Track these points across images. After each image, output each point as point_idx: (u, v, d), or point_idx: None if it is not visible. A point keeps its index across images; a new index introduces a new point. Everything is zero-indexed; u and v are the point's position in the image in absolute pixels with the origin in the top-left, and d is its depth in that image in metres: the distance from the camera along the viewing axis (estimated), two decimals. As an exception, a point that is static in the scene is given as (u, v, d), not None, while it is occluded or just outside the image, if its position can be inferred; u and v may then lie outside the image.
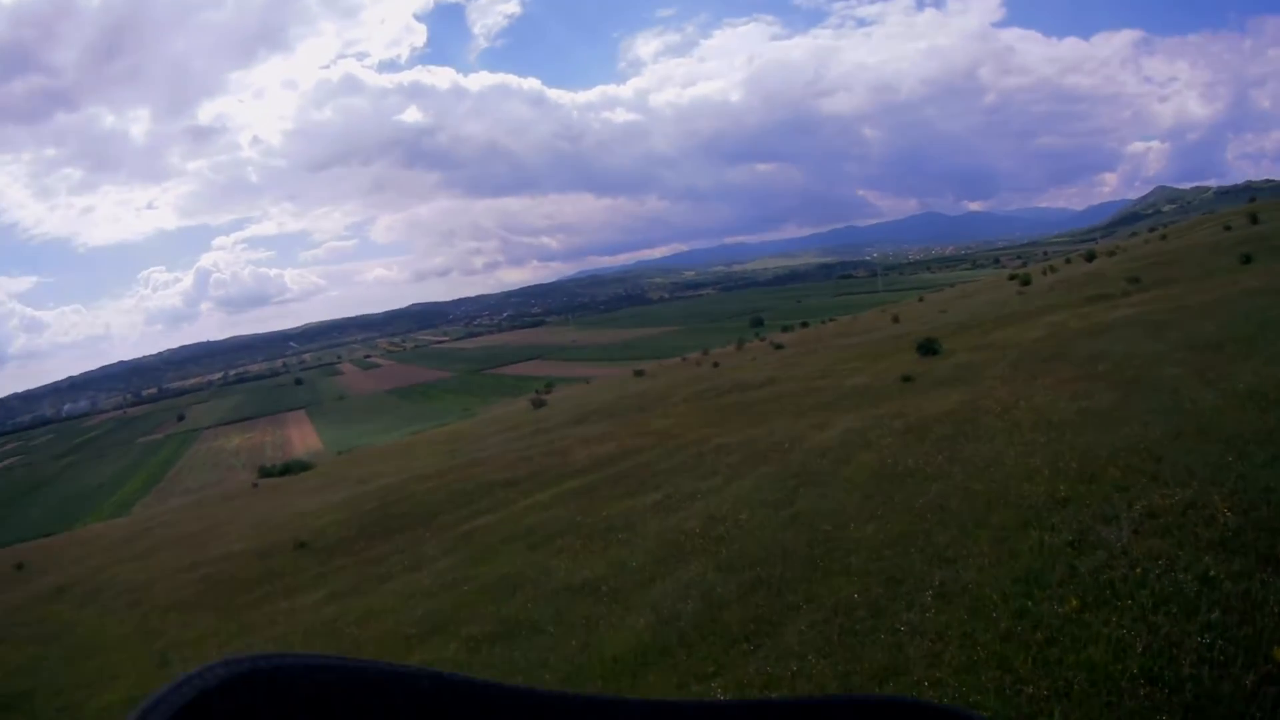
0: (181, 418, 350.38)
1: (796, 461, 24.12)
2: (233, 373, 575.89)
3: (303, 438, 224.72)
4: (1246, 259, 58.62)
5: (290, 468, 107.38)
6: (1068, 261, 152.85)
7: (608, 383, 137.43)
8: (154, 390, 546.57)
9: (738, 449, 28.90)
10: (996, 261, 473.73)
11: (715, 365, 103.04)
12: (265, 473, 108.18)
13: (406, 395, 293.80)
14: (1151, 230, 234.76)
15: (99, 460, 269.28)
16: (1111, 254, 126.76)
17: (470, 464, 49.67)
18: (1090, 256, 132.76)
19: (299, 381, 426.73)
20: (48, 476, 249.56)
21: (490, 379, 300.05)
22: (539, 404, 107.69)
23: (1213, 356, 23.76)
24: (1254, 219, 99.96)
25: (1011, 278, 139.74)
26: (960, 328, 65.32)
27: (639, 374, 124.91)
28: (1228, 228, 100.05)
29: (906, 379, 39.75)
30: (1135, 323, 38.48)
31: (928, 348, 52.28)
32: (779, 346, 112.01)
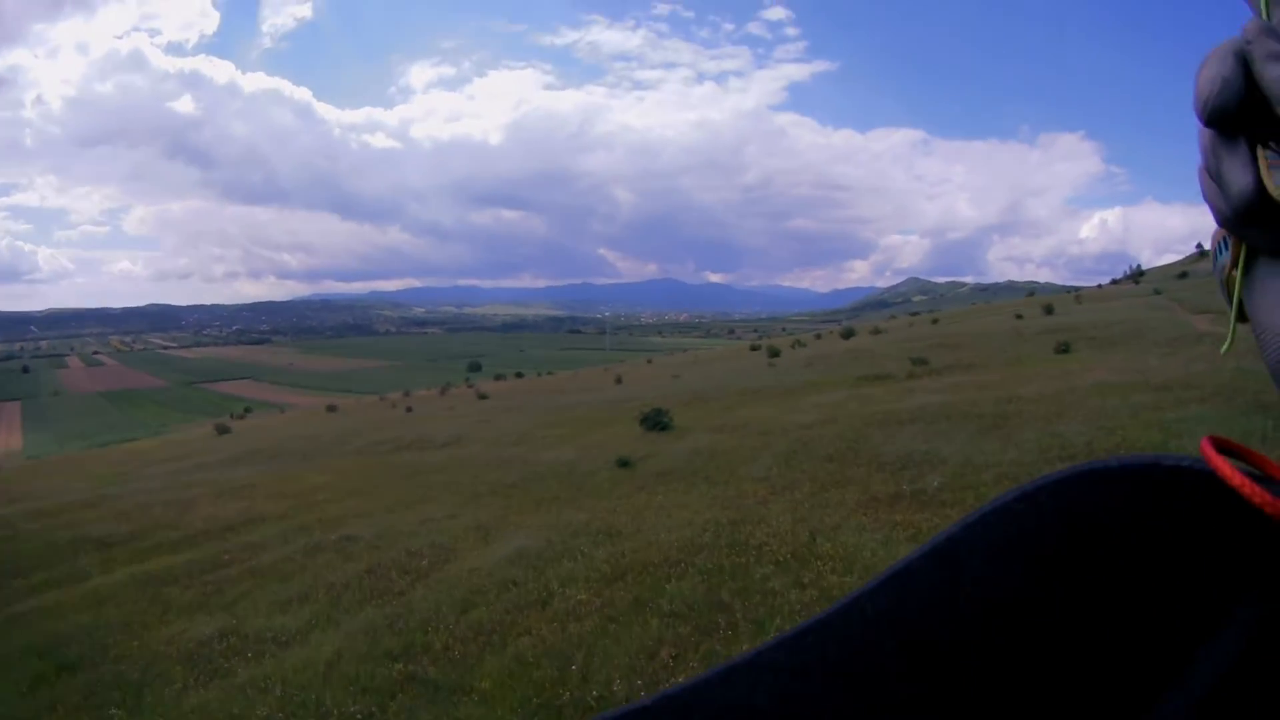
0: None
1: (420, 609, 18.02)
2: None
3: (8, 435, 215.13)
4: (1064, 348, 54.34)
5: None
6: (818, 337, 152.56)
7: (300, 415, 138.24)
8: None
9: (364, 551, 24.44)
10: (731, 332, 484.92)
11: (409, 410, 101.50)
12: None
13: (117, 400, 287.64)
14: (914, 315, 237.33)
15: None
16: (876, 332, 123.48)
17: (100, 500, 45.01)
18: (847, 334, 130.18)
19: (25, 370, 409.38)
20: None
21: (200, 394, 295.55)
22: (222, 431, 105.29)
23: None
24: (1049, 310, 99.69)
25: (754, 349, 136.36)
26: (696, 399, 59.41)
27: (331, 409, 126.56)
28: (1019, 316, 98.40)
29: (623, 463, 35.45)
30: (951, 414, 33.58)
31: (655, 421, 46.02)
32: (483, 396, 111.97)
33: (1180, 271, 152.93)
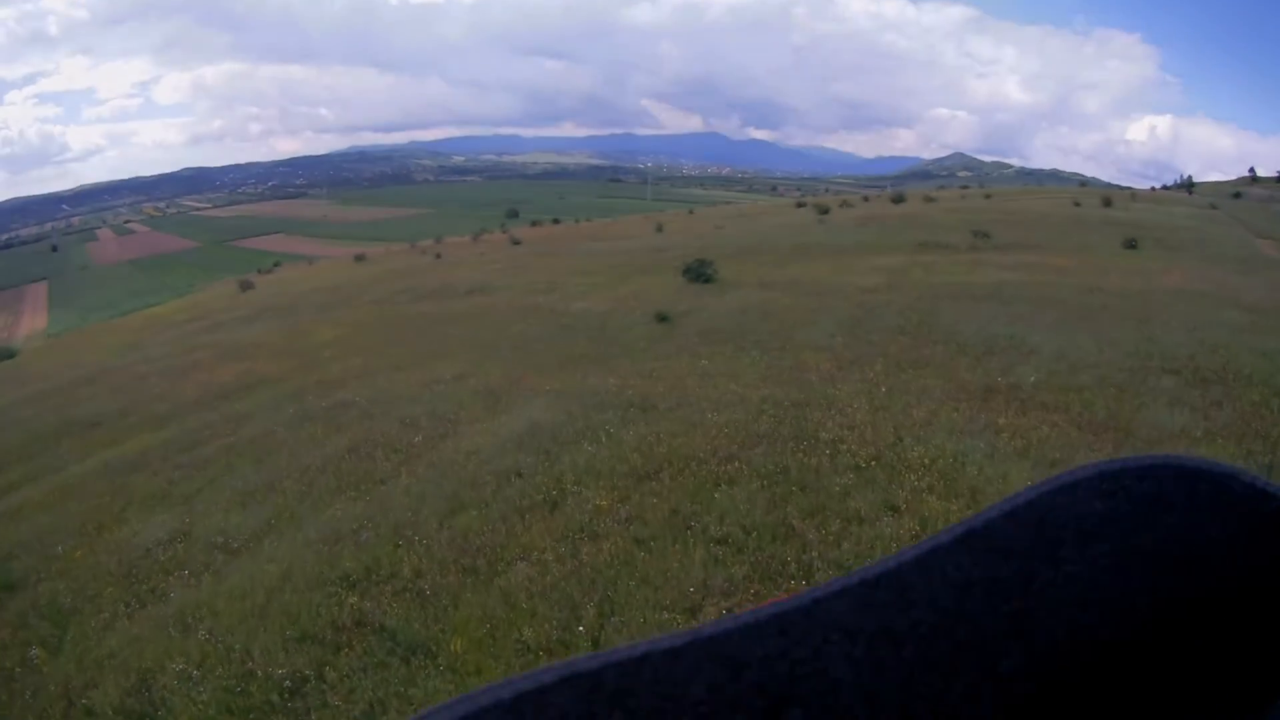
0: None
1: (397, 509, 15.07)
2: (4, 236, 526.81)
3: (34, 315, 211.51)
4: (1132, 244, 51.96)
5: None
6: (866, 200, 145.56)
7: (327, 266, 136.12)
8: None
9: (355, 421, 22.51)
10: (774, 189, 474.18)
11: (437, 257, 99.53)
12: None
13: (145, 267, 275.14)
14: (964, 189, 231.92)
15: None
16: (929, 200, 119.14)
17: (99, 374, 45.41)
18: (898, 199, 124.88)
19: (54, 249, 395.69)
20: None
21: (231, 251, 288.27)
22: (246, 287, 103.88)
23: (1221, 392, 17.23)
24: (1107, 202, 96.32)
25: (800, 205, 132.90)
26: (743, 252, 55.04)
27: (359, 259, 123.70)
28: (1077, 204, 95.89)
29: (662, 318, 32.74)
30: (1029, 295, 31.60)
31: (698, 273, 42.50)
32: (516, 242, 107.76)
33: (1234, 191, 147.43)
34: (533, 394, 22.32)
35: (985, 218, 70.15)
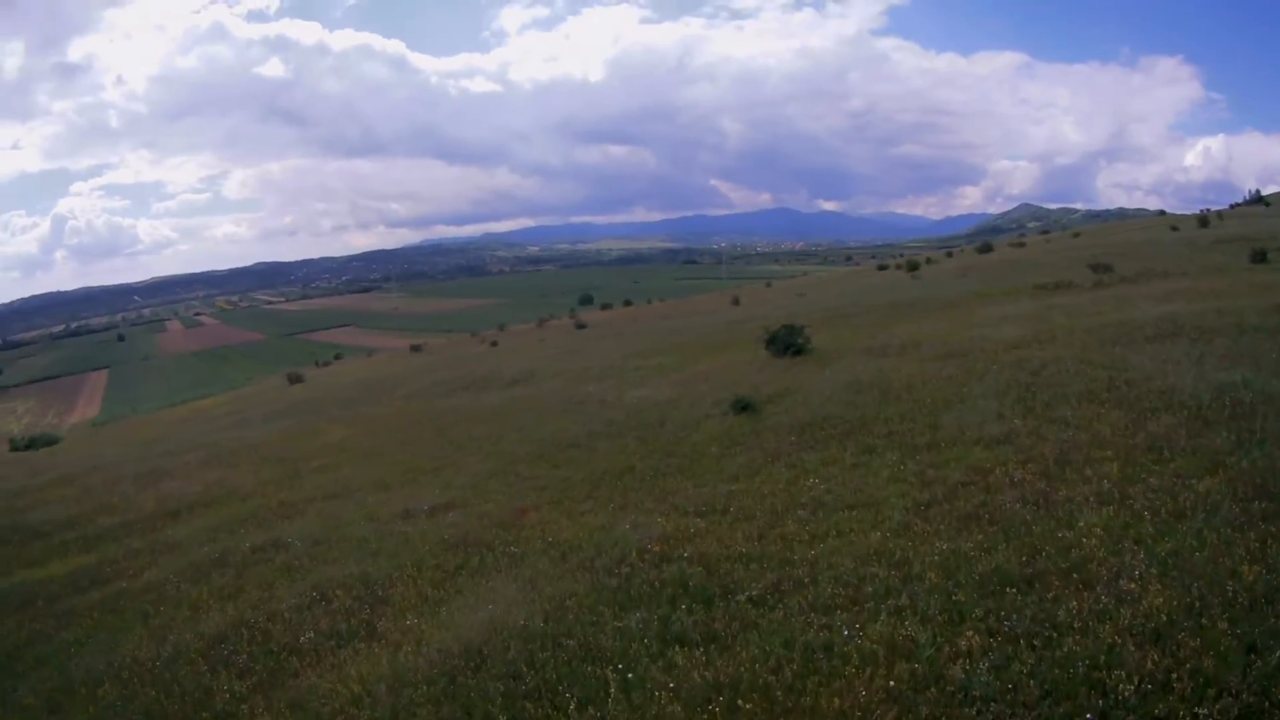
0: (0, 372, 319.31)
1: None
2: (75, 325, 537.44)
3: (89, 402, 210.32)
4: (1260, 257, 47.02)
5: (35, 442, 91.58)
6: (949, 255, 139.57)
7: (384, 358, 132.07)
8: None
9: (266, 579, 18.43)
10: (849, 259, 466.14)
11: (494, 345, 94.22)
12: (14, 446, 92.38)
13: (207, 359, 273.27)
14: (1045, 233, 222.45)
15: None
16: (1019, 245, 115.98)
17: (80, 475, 41.57)
18: (985, 248, 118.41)
19: (121, 338, 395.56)
20: None
21: (297, 344, 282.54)
22: (294, 380, 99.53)
23: None
24: (1204, 222, 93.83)
25: (882, 268, 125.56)
26: (834, 315, 48.17)
27: (415, 349, 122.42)
28: (1174, 228, 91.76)
29: (742, 406, 25.62)
30: (1210, 325, 26.16)
31: (786, 342, 34.48)
32: (581, 326, 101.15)
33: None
34: (525, 549, 16.53)
35: (1091, 252, 65.00)
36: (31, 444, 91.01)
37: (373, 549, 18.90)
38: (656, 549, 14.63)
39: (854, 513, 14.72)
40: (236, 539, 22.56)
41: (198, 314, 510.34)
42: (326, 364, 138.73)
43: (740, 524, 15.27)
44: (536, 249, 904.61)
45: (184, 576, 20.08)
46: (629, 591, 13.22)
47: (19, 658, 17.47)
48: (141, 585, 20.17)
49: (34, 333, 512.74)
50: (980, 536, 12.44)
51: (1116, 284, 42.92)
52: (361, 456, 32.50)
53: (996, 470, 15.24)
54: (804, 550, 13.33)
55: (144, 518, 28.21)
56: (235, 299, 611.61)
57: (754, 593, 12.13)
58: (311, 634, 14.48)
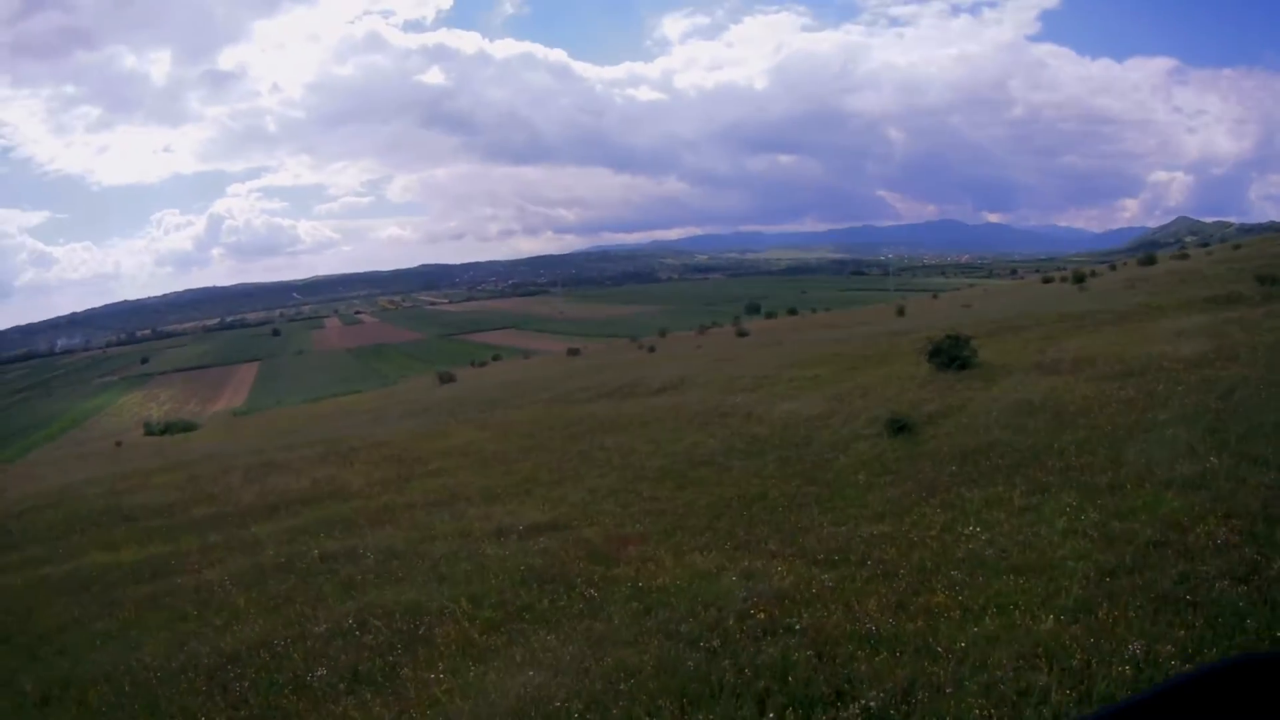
0: (145, 360, 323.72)
1: None
2: (230, 318, 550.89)
3: (234, 393, 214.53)
4: None
5: (171, 428, 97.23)
6: (1113, 269, 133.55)
7: (540, 360, 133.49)
8: (148, 331, 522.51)
9: (324, 591, 17.52)
10: (1014, 272, 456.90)
11: (651, 351, 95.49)
12: (149, 430, 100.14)
13: (361, 355, 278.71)
14: (1203, 244, 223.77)
15: (45, 399, 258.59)
16: (1183, 257, 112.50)
17: (192, 463, 43.31)
18: (1149, 260, 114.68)
19: (276, 333, 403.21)
20: None
21: (455, 344, 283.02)
22: (445, 380, 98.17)
23: None
24: None
25: (1047, 280, 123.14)
26: (1002, 327, 45.40)
27: (572, 353, 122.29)
28: None
29: (899, 427, 22.86)
30: None
31: (951, 354, 31.74)
32: (742, 334, 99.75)
33: None
34: (607, 594, 14.25)
35: (1256, 264, 61.17)
36: (167, 429, 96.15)
37: (442, 573, 17.29)
38: (763, 615, 11.98)
39: (1021, 579, 12.08)
40: (313, 544, 21.56)
41: (358, 312, 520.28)
42: (482, 364, 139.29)
43: (877, 584, 12.68)
44: (704, 257, 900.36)
45: (240, 579, 19.37)
46: (709, 677, 10.65)
47: (48, 641, 17.46)
48: (196, 583, 19.57)
49: (187, 325, 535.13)
50: (1181, 632, 9.82)
51: (1288, 298, 40.23)
52: (481, 462, 31.03)
53: (1196, 528, 12.52)
54: (951, 634, 10.51)
55: (238, 511, 27.76)
56: (398, 299, 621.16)
57: (874, 700, 9.35)
58: (325, 670, 13.06)
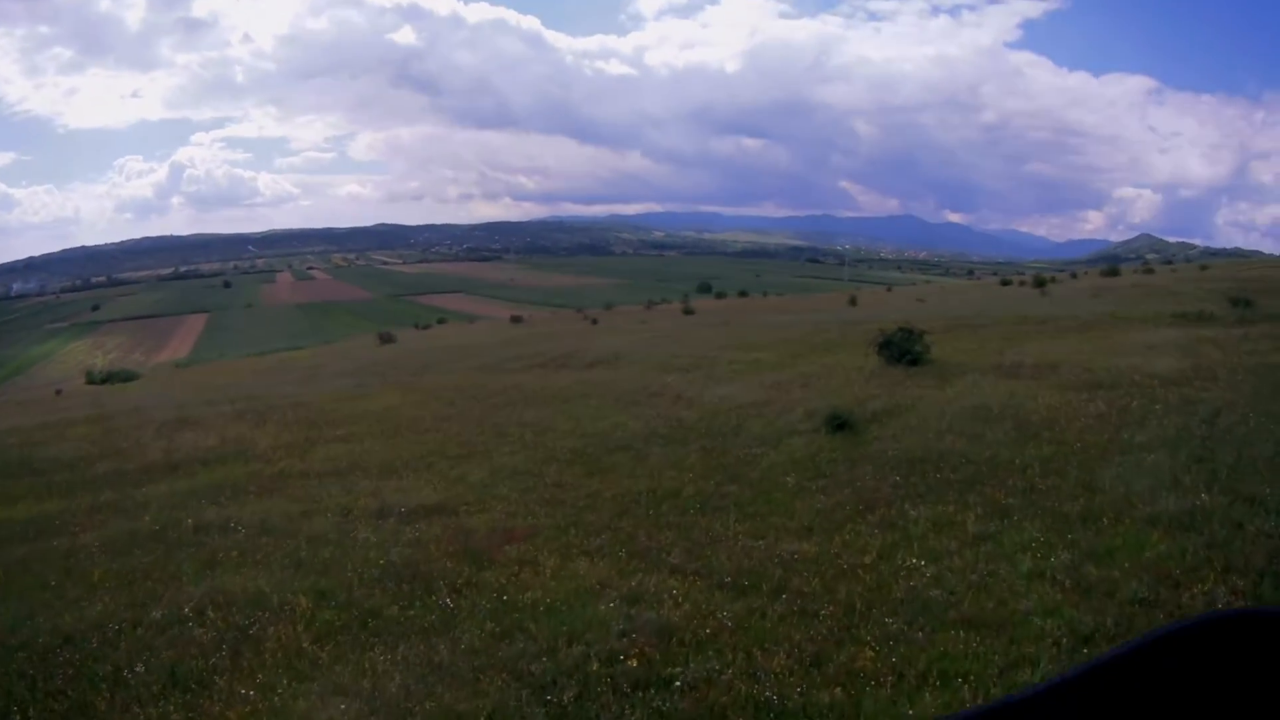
0: (96, 308, 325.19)
1: None
2: (185, 269, 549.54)
3: (180, 344, 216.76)
4: None
5: (112, 378, 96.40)
6: (1074, 277, 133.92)
7: (484, 326, 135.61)
8: (103, 279, 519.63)
9: (182, 569, 15.74)
10: (971, 273, 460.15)
11: (594, 323, 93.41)
12: (90, 379, 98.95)
13: (309, 312, 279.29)
14: (1169, 264, 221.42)
15: None
16: (1147, 271, 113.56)
17: (112, 415, 41.29)
18: (1112, 272, 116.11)
19: (227, 284, 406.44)
20: None
21: (403, 305, 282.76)
22: (385, 340, 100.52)
23: None
24: None
25: (1005, 283, 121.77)
26: (958, 325, 43.66)
27: (515, 320, 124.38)
28: None
29: (838, 424, 20.55)
30: None
31: (902, 348, 29.91)
32: (688, 312, 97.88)
33: None
34: (464, 605, 12.29)
35: (1225, 285, 60.33)
36: (108, 379, 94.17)
37: (301, 558, 15.41)
38: (639, 659, 9.62)
39: (974, 637, 9.57)
40: (193, 511, 19.77)
41: (310, 268, 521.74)
42: (426, 327, 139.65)
43: (790, 625, 10.19)
44: (662, 234, 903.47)
45: (111, 546, 17.74)
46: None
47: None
48: (70, 547, 18.04)
49: (142, 273, 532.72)
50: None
51: (1261, 321, 38.72)
52: (393, 429, 29.47)
53: (1191, 584, 10.29)
54: (878, 713, 8.07)
55: (140, 469, 26.22)
56: (352, 257, 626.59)
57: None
58: (144, 668, 11.36)
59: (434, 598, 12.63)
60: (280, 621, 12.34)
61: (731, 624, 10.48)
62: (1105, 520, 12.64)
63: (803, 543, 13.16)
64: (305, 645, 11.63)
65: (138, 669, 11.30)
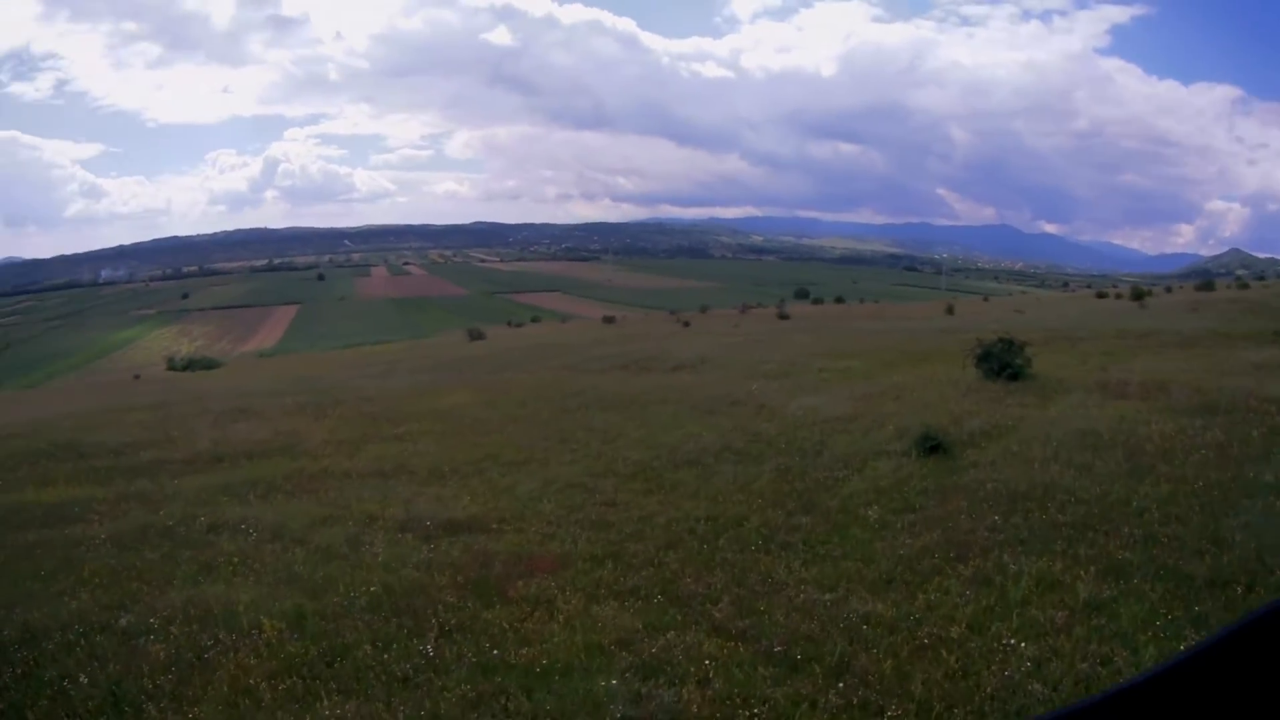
0: (185, 296, 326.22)
1: None
2: (278, 261, 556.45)
3: (268, 334, 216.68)
4: None
5: (193, 365, 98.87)
6: (1169, 290, 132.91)
7: (576, 325, 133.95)
8: (195, 268, 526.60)
9: (232, 566, 15.33)
10: (1065, 285, 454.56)
11: (685, 325, 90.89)
12: (171, 366, 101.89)
13: (402, 306, 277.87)
14: (1259, 278, 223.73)
15: (77, 329, 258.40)
16: (1243, 287, 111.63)
17: (168, 404, 39.99)
18: (1207, 286, 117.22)
19: (321, 277, 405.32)
20: (15, 339, 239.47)
21: (498, 303, 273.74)
22: (475, 337, 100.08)
23: None
24: None
25: (1101, 296, 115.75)
26: (1057, 338, 40.97)
27: (608, 320, 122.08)
28: None
29: (930, 445, 18.56)
30: None
31: (1002, 361, 27.71)
32: (783, 317, 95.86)
33: None
34: (447, 657, 10.74)
35: None
36: (189, 366, 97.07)
37: (297, 571, 14.45)
38: None
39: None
40: (214, 509, 19.22)
41: (406, 263, 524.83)
42: (518, 325, 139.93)
43: None
44: (760, 238, 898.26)
45: (120, 539, 17.40)
46: None
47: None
48: (81, 536, 17.86)
49: (235, 264, 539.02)
50: None
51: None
52: (455, 430, 28.45)
53: None
54: None
55: (184, 459, 25.95)
56: (449, 253, 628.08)
57: None
58: (87, 680, 10.82)
59: (417, 641, 11.20)
60: (241, 648, 11.34)
61: (769, 718, 8.66)
62: (1237, 588, 10.68)
63: (878, 600, 11.31)
64: (256, 681, 10.60)
65: (82, 680, 10.81)
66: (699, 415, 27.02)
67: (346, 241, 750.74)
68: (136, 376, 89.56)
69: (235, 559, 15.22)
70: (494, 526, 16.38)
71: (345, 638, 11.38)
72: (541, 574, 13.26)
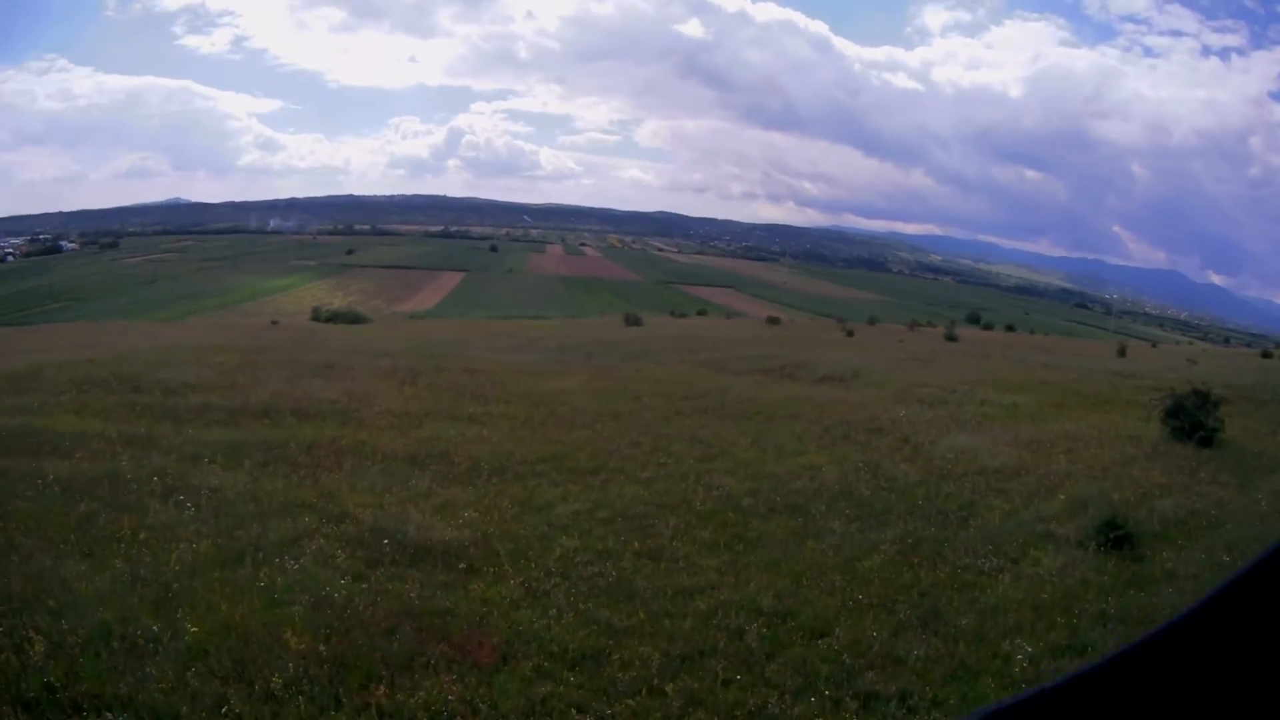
0: (350, 252, 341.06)
1: None
2: (454, 229, 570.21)
3: (427, 297, 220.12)
4: None
5: (337, 317, 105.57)
6: None
7: (739, 322, 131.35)
8: (367, 227, 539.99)
9: (200, 544, 14.17)
10: (1227, 341, 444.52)
11: (849, 334, 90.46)
12: (315, 316, 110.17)
13: (571, 285, 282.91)
14: None
15: (231, 272, 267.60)
16: None
17: (274, 363, 38.36)
18: None
19: (494, 249, 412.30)
20: (165, 275, 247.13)
21: (669, 292, 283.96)
22: (632, 323, 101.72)
23: None
24: None
25: (1266, 355, 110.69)
26: (1238, 395, 33.87)
27: (772, 321, 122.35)
28: None
29: (1115, 537, 15.01)
30: None
31: (1194, 419, 23.78)
32: (951, 338, 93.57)
33: None
34: None
35: None
36: (333, 318, 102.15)
37: (160, 578, 12.32)
38: None
39: None
40: (186, 471, 18.63)
41: (583, 244, 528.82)
42: (682, 316, 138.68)
43: None
44: (939, 258, 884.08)
45: (68, 485, 16.87)
46: None
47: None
48: (70, 472, 17.73)
49: (409, 227, 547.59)
50: None
51: None
52: (538, 419, 27.19)
53: None
54: None
55: (231, 408, 26.26)
56: (628, 239, 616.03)
57: None
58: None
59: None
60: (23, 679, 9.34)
61: None
62: None
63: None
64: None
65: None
66: (828, 441, 24.19)
67: (526, 217, 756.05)
68: (275, 322, 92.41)
69: (141, 537, 13.94)
70: (469, 563, 13.68)
71: (120, 690, 9.08)
72: (464, 663, 10.08)
